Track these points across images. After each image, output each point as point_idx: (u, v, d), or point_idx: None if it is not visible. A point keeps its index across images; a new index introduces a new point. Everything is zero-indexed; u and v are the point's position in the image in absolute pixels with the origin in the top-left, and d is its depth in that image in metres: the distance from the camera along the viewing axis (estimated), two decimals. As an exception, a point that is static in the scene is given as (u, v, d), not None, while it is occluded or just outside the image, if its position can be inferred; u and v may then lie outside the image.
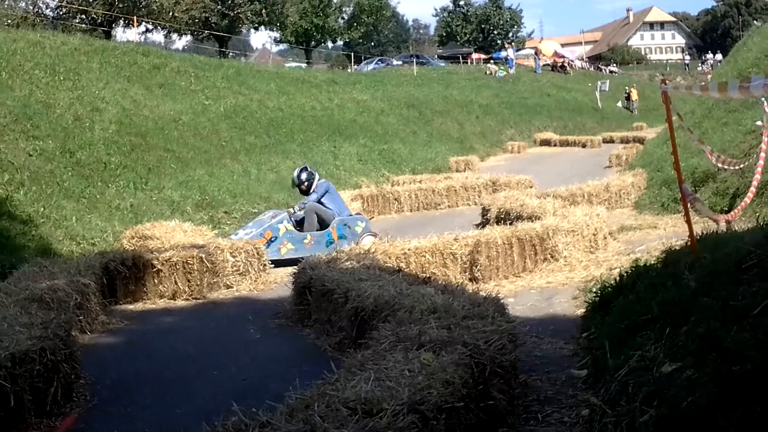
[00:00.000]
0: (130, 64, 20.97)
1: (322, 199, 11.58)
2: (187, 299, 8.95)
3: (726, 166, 9.76)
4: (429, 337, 4.26)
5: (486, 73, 43.98)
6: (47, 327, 5.29)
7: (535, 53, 53.37)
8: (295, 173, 11.92)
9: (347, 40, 58.56)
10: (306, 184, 11.71)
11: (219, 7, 39.60)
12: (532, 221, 10.02)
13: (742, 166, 9.71)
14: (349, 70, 43.48)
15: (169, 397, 5.47)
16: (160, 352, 6.82)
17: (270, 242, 10.84)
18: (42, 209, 11.09)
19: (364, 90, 30.60)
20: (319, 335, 6.78)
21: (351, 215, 11.86)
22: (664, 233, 10.39)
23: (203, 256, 9.10)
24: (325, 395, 3.41)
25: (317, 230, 11.29)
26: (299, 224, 11.40)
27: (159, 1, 34.49)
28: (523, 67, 50.70)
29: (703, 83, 8.67)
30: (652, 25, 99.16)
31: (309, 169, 11.91)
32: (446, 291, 5.79)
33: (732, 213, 9.18)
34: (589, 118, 39.72)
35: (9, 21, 27.77)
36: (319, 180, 11.88)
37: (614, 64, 72.08)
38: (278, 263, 10.58)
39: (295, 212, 11.54)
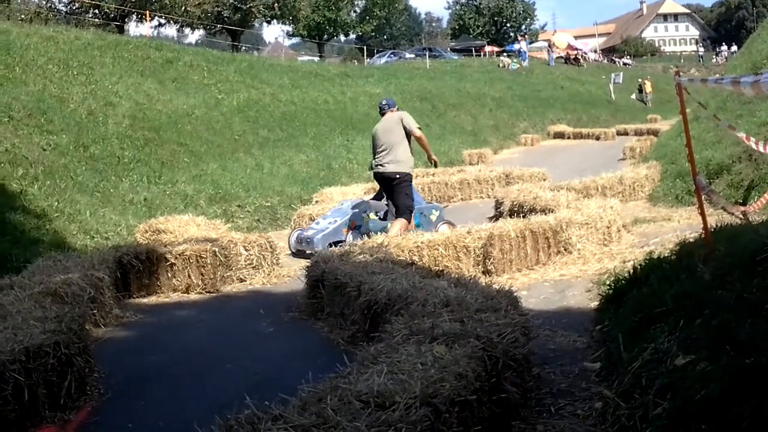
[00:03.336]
0: (143, 59, 21.05)
1: None
2: (201, 293, 8.97)
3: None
4: (442, 330, 4.26)
5: (499, 65, 43.91)
6: (61, 321, 5.31)
7: (549, 46, 53.27)
8: None
9: (360, 33, 58.57)
10: None
11: (231, 1, 39.66)
12: (546, 214, 10.00)
13: None
14: (364, 63, 43.44)
15: (182, 390, 5.49)
16: (173, 345, 6.84)
17: (354, 231, 11.01)
18: (56, 203, 11.14)
19: (377, 83, 30.59)
20: (331, 328, 6.78)
21: (426, 204, 11.99)
22: (678, 226, 10.35)
23: (216, 249, 9.11)
24: (337, 388, 3.40)
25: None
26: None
27: (171, -4, 34.59)
28: (536, 59, 50.55)
29: (717, 75, 8.63)
30: (665, 17, 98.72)
31: None
32: (459, 284, 5.77)
33: (755, 204, 9.10)
34: (602, 111, 39.53)
35: (22, 16, 27.92)
36: None
37: (628, 57, 71.75)
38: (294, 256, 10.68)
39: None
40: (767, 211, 8.72)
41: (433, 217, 11.50)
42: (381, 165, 10.27)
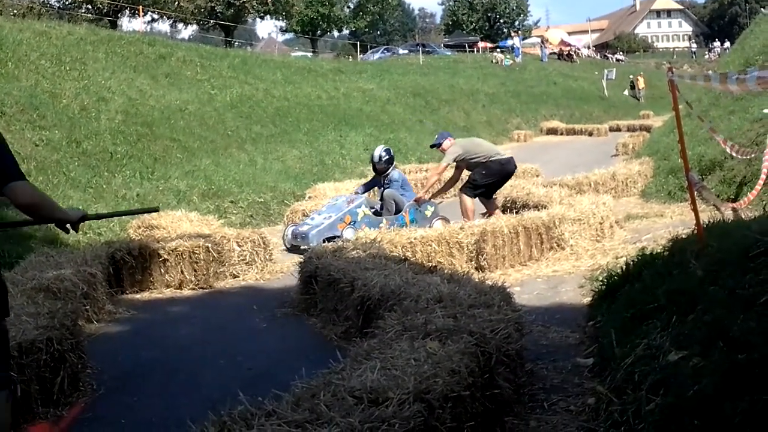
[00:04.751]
0: (135, 54, 20.97)
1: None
2: (194, 289, 8.94)
3: (740, 156, 9.69)
4: (435, 326, 4.26)
5: (492, 61, 43.86)
6: (54, 317, 5.30)
7: (542, 42, 53.20)
8: (377, 152, 11.92)
9: (353, 29, 58.52)
10: (385, 165, 11.83)
11: (224, -4, 39.55)
12: (539, 210, 10.01)
13: (754, 155, 9.64)
14: (358, 59, 43.37)
15: (176, 386, 5.49)
16: (166, 341, 6.83)
17: (349, 226, 10.99)
18: (48, 199, 11.09)
19: (370, 79, 30.55)
20: (325, 324, 6.78)
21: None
22: (671, 222, 10.38)
23: (209, 245, 9.08)
24: (331, 384, 3.41)
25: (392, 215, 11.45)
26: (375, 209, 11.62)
27: (164, -9, 34.51)
28: (529, 55, 50.51)
29: (709, 72, 8.63)
30: (658, 13, 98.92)
31: (391, 153, 11.99)
32: (452, 280, 5.78)
33: (743, 201, 9.14)
34: (595, 107, 39.60)
35: (15, 11, 27.77)
36: (394, 167, 11.99)
37: (621, 53, 71.82)
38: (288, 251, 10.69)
39: (358, 194, 11.88)
40: (759, 207, 8.74)
41: (428, 213, 11.52)
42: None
